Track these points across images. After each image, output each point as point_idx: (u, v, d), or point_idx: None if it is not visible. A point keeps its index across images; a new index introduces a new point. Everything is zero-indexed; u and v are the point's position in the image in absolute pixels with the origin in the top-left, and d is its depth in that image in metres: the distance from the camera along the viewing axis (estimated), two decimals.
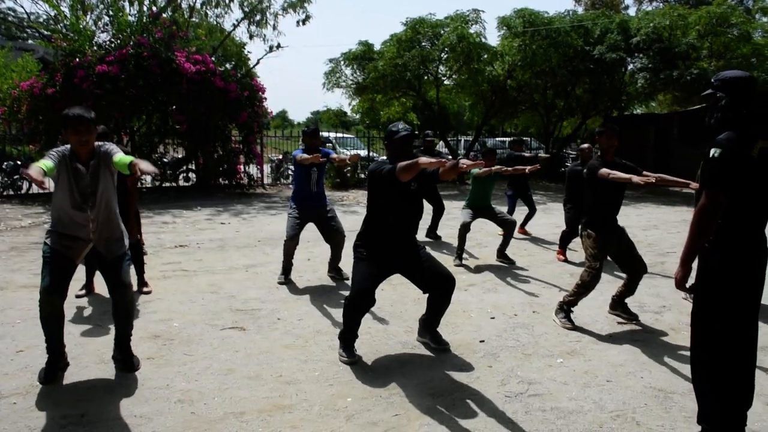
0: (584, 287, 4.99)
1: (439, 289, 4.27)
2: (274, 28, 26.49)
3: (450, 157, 21.02)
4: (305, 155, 5.88)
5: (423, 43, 18.59)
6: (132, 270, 5.12)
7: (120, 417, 3.32)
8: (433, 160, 3.56)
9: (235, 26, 17.59)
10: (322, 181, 6.31)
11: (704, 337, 2.94)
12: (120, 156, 3.55)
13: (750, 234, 2.81)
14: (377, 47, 19.75)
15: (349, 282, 6.31)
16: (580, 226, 5.27)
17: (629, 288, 5.21)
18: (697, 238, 2.85)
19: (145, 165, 3.34)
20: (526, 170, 7.18)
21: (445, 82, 20.47)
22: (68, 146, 3.63)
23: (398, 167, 3.74)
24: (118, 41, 14.08)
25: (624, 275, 5.28)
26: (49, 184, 3.74)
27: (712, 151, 2.76)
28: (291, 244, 6.18)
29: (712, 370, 2.92)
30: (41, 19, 21.03)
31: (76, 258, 3.75)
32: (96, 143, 3.69)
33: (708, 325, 2.91)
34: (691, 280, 2.98)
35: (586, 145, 7.95)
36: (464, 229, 7.32)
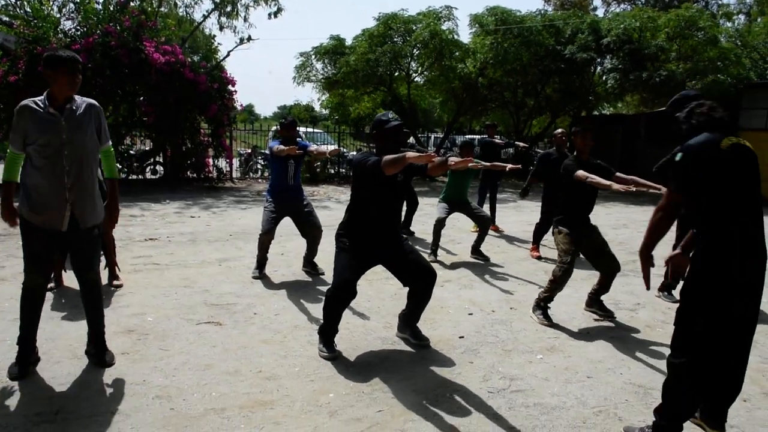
0: (557, 282, 5.03)
1: (422, 281, 4.22)
2: (245, 20, 26.27)
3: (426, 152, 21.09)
4: (282, 147, 5.78)
5: (395, 39, 18.57)
6: (102, 263, 5.00)
7: (96, 414, 3.21)
8: (421, 155, 3.52)
9: (205, 17, 17.33)
10: (299, 174, 6.22)
11: (684, 338, 2.98)
12: (110, 152, 3.62)
13: (732, 235, 2.85)
14: (349, 42, 19.66)
15: (324, 277, 6.25)
16: (552, 224, 5.33)
17: (603, 286, 5.27)
18: (654, 233, 3.02)
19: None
20: (506, 168, 7.21)
21: (417, 79, 20.48)
22: (37, 97, 3.48)
23: (384, 161, 3.69)
24: (84, 29, 13.70)
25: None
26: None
27: (678, 155, 2.89)
28: (266, 237, 6.08)
29: (687, 371, 2.95)
30: (1, 4, 20.40)
31: (59, 225, 3.53)
32: (83, 98, 3.59)
33: (689, 327, 2.94)
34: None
35: (559, 131, 7.98)
36: (439, 224, 7.30)
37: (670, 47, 16.49)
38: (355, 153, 19.70)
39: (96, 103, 3.63)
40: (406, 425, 3.22)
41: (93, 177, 3.64)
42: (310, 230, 6.20)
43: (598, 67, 18.13)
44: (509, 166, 7.33)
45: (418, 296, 4.32)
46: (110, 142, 3.60)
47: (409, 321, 4.47)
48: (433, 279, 4.25)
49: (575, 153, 5.31)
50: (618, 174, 5.10)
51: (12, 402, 3.33)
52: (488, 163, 7.37)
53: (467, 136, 26.17)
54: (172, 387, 3.56)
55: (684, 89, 16.76)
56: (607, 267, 5.17)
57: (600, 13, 30.58)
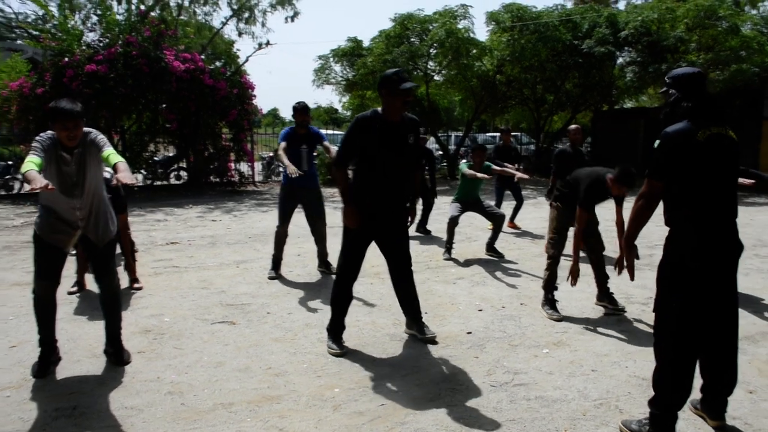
0: (551, 259, 5.19)
1: (398, 270, 4.42)
2: (263, 25, 26.54)
3: (441, 152, 21.12)
4: (283, 144, 6.05)
5: (412, 39, 18.64)
6: (122, 267, 5.21)
7: (111, 409, 3.37)
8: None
9: (223, 24, 17.64)
10: (312, 161, 6.35)
11: (664, 325, 3.04)
12: (109, 152, 3.57)
13: (705, 219, 2.90)
14: (366, 43, 19.78)
15: None
16: (550, 198, 5.49)
17: (597, 269, 5.34)
18: (636, 222, 3.06)
19: (124, 175, 3.35)
20: (515, 178, 7.23)
21: (435, 78, 20.51)
22: (52, 133, 3.61)
23: (333, 168, 4.11)
24: (107, 40, 14.06)
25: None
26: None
27: (656, 142, 2.95)
28: (282, 230, 6.27)
29: (669, 357, 3.01)
30: (30, 19, 20.94)
31: (66, 247, 3.80)
32: (83, 130, 3.66)
33: (667, 313, 3.00)
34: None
35: (573, 127, 7.97)
36: (453, 222, 7.38)
37: (689, 38, 16.28)
38: None
39: (88, 131, 3.69)
40: (407, 418, 3.32)
41: (102, 202, 3.85)
42: (316, 220, 6.36)
43: (618, 60, 17.96)
44: (518, 174, 7.39)
45: (402, 289, 4.49)
46: (108, 147, 3.68)
47: (412, 316, 4.58)
48: (409, 271, 4.44)
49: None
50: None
51: (34, 398, 3.52)
52: (498, 168, 7.46)
53: (487, 135, 26.14)
54: (184, 383, 3.71)
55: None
56: (591, 247, 5.29)
57: (621, 5, 30.24)
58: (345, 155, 4.17)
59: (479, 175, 7.04)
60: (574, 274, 5.06)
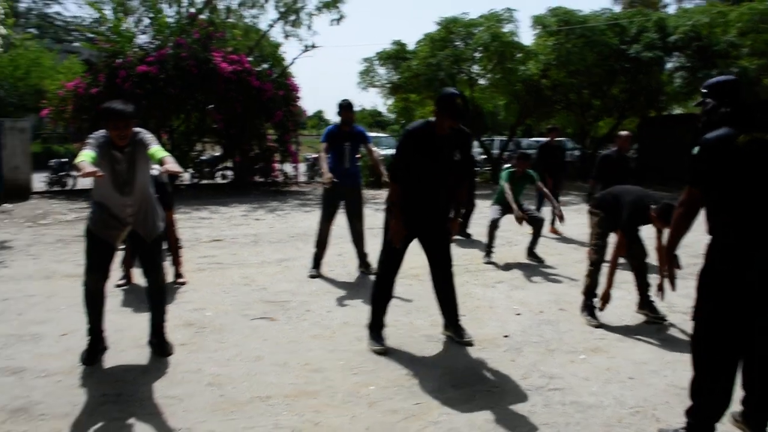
0: (593, 266, 5.15)
1: (439, 269, 4.46)
2: (309, 27, 26.75)
3: (485, 157, 21.00)
4: (324, 145, 6.23)
5: (456, 43, 18.59)
6: (168, 262, 5.38)
7: (154, 397, 3.51)
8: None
9: (270, 26, 17.86)
10: (355, 157, 6.44)
11: (702, 335, 3.00)
12: (155, 149, 3.71)
13: (745, 225, 2.84)
14: (411, 47, 19.83)
15: None
16: (589, 205, 5.53)
17: (639, 276, 5.27)
18: (676, 230, 3.04)
19: (172, 166, 3.48)
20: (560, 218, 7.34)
21: (479, 82, 20.43)
22: (105, 132, 3.75)
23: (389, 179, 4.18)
24: (158, 42, 14.46)
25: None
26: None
27: (694, 149, 2.92)
28: (325, 226, 6.41)
29: (706, 368, 2.97)
30: (86, 22, 21.67)
31: (115, 242, 3.96)
32: (133, 130, 3.80)
33: (705, 322, 2.96)
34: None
35: (624, 133, 7.83)
36: (493, 225, 7.37)
37: (742, 43, 15.86)
38: None
39: (137, 131, 3.82)
40: (440, 418, 3.35)
41: (151, 199, 4.00)
42: (354, 219, 6.46)
43: (667, 66, 17.60)
44: (557, 213, 7.36)
45: (441, 290, 4.52)
46: (155, 144, 3.80)
47: (449, 317, 4.60)
48: (449, 273, 4.46)
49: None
50: None
51: (82, 383, 3.68)
52: (544, 191, 7.49)
53: (532, 140, 25.88)
54: (223, 376, 3.82)
55: (758, 87, 16.11)
56: (635, 253, 5.21)
57: (671, 10, 29.61)
58: (400, 168, 4.19)
59: (513, 205, 7.13)
60: (605, 299, 5.04)
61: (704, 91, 3.12)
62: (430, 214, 4.34)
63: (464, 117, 4.05)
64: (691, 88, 16.79)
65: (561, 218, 7.41)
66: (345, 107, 6.36)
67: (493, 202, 7.65)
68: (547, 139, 10.05)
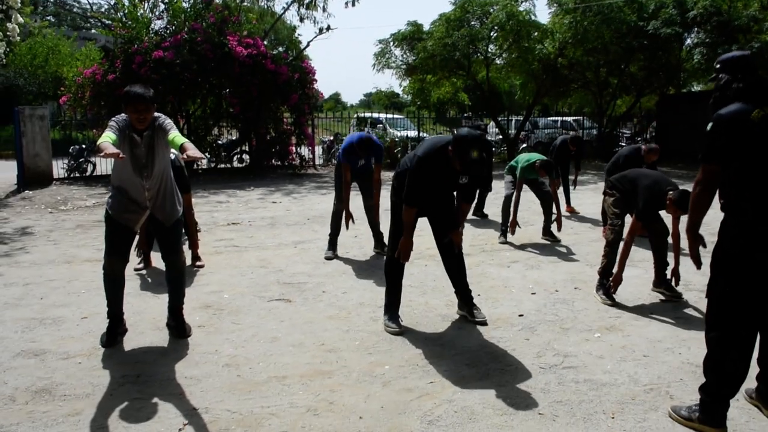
0: (610, 246, 5.15)
1: (447, 251, 4.50)
2: (324, 10, 26.58)
3: (501, 137, 20.88)
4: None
5: (472, 22, 18.40)
6: (186, 246, 5.45)
7: (172, 378, 3.58)
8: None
9: (285, 9, 17.83)
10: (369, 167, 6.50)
11: (714, 311, 2.99)
12: (174, 135, 3.73)
13: (759, 200, 2.82)
14: (426, 27, 19.68)
15: None
16: (604, 187, 5.51)
17: (657, 253, 5.24)
18: (696, 210, 2.98)
19: (192, 152, 3.49)
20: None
21: (496, 61, 20.24)
22: (126, 116, 3.80)
23: (405, 207, 4.14)
24: (173, 27, 14.49)
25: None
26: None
27: (709, 125, 2.88)
28: (339, 209, 6.44)
29: (718, 343, 2.96)
30: (102, 9, 21.78)
31: (135, 226, 4.01)
32: (153, 114, 3.85)
33: (718, 298, 2.96)
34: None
35: (653, 146, 7.62)
36: (507, 201, 7.35)
37: (764, 17, 15.52)
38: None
39: (157, 116, 3.86)
40: (454, 396, 3.38)
41: (170, 182, 4.03)
42: (367, 196, 6.51)
43: (686, 42, 17.27)
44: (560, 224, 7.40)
45: (448, 267, 4.58)
46: (174, 130, 3.82)
47: (462, 297, 4.63)
48: (457, 252, 4.51)
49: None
50: None
51: (102, 365, 3.76)
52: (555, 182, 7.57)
53: (549, 119, 25.65)
54: (240, 357, 3.89)
55: None
56: (654, 229, 5.18)
57: None
58: (415, 194, 4.14)
59: (513, 210, 7.22)
60: (617, 283, 5.02)
61: (718, 66, 3.08)
62: (438, 203, 4.41)
63: (474, 171, 3.94)
64: (710, 64, 16.44)
65: (559, 225, 7.37)
66: (361, 145, 6.21)
67: (506, 171, 7.72)
68: (568, 144, 9.71)
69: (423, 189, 4.15)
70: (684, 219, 3.42)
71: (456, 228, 4.41)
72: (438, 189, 4.30)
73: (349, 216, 6.36)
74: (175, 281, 4.20)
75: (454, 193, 4.43)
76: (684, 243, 3.48)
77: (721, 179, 2.91)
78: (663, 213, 5.06)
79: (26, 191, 11.42)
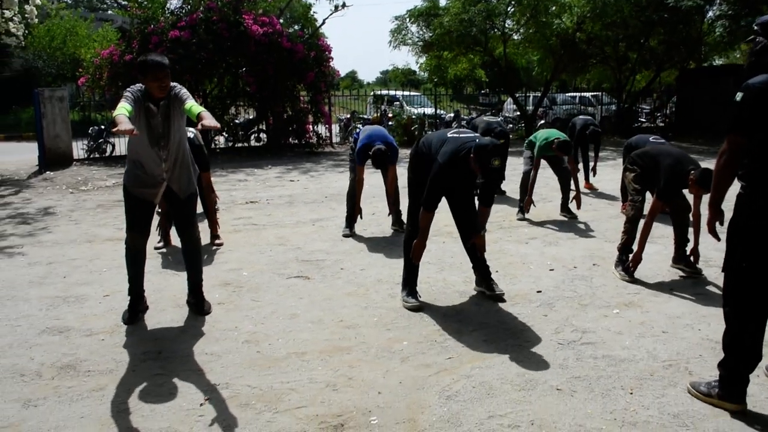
0: (630, 222, 5.11)
1: (465, 228, 4.51)
2: None
3: (519, 113, 20.69)
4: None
5: None
6: (205, 224, 5.49)
7: (193, 354, 3.64)
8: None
9: None
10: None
11: (731, 285, 2.96)
12: (191, 104, 3.73)
13: None
14: (443, 3, 19.44)
15: None
16: (625, 163, 5.39)
17: (679, 228, 5.19)
18: (721, 181, 2.92)
19: (209, 121, 3.47)
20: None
21: (513, 37, 19.98)
22: (141, 86, 3.79)
23: (422, 211, 4.18)
24: (189, 7, 14.46)
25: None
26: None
27: (737, 95, 2.78)
28: (354, 185, 6.46)
29: (735, 318, 2.94)
30: None
31: (153, 199, 4.02)
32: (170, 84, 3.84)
33: (735, 272, 2.91)
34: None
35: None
36: (525, 177, 7.32)
37: None
38: (450, 116, 19.67)
39: (173, 85, 3.85)
40: (472, 371, 3.40)
41: (186, 154, 4.03)
42: (387, 171, 6.46)
43: (708, 14, 16.89)
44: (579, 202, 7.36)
45: (466, 243, 4.58)
46: (190, 100, 3.82)
47: (481, 274, 4.62)
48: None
49: None
50: None
51: (124, 342, 3.83)
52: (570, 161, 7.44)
53: (567, 95, 25.35)
54: (260, 333, 3.93)
55: None
56: (676, 205, 5.13)
57: None
58: (434, 199, 4.20)
59: (529, 188, 7.23)
60: (636, 262, 4.98)
61: (756, 28, 2.93)
62: (457, 197, 4.46)
63: (494, 176, 4.15)
64: (732, 37, 16.15)
65: (578, 203, 7.32)
66: (376, 159, 6.16)
67: (525, 146, 7.70)
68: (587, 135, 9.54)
69: (442, 192, 4.24)
70: (706, 197, 3.36)
71: (478, 231, 4.41)
72: (457, 187, 4.35)
73: (359, 212, 6.51)
74: (191, 255, 4.22)
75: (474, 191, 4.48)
76: (703, 219, 3.42)
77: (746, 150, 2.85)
78: (685, 192, 5.00)
79: (47, 172, 11.54)
